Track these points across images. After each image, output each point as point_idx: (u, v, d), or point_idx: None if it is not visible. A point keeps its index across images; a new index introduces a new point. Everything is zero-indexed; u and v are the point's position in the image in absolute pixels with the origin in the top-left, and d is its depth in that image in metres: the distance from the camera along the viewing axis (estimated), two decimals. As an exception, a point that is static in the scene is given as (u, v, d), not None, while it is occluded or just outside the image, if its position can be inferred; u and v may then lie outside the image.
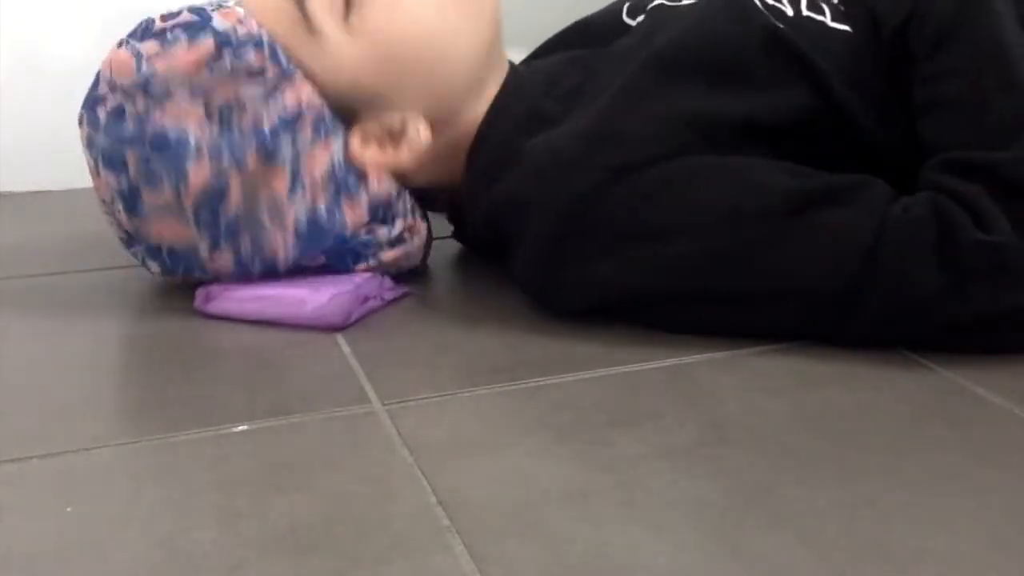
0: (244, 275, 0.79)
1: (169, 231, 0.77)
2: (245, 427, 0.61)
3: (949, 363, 0.68)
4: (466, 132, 0.82)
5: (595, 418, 0.62)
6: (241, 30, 0.73)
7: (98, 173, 0.77)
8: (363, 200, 0.78)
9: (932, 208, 0.67)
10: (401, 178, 0.82)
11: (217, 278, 0.80)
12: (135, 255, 0.82)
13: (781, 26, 0.78)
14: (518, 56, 0.97)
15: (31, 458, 0.58)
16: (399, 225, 0.82)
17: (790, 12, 0.81)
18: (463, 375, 0.68)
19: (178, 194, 0.74)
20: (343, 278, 0.79)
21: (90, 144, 0.76)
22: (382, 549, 0.49)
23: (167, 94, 0.73)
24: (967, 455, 0.57)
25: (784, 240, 0.69)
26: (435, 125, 0.80)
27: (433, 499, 0.53)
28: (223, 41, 0.73)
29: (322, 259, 0.79)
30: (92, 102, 0.76)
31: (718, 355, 0.70)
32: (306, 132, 0.76)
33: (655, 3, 0.86)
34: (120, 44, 0.75)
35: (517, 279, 0.80)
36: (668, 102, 0.75)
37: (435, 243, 0.91)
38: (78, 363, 0.72)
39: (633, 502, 0.53)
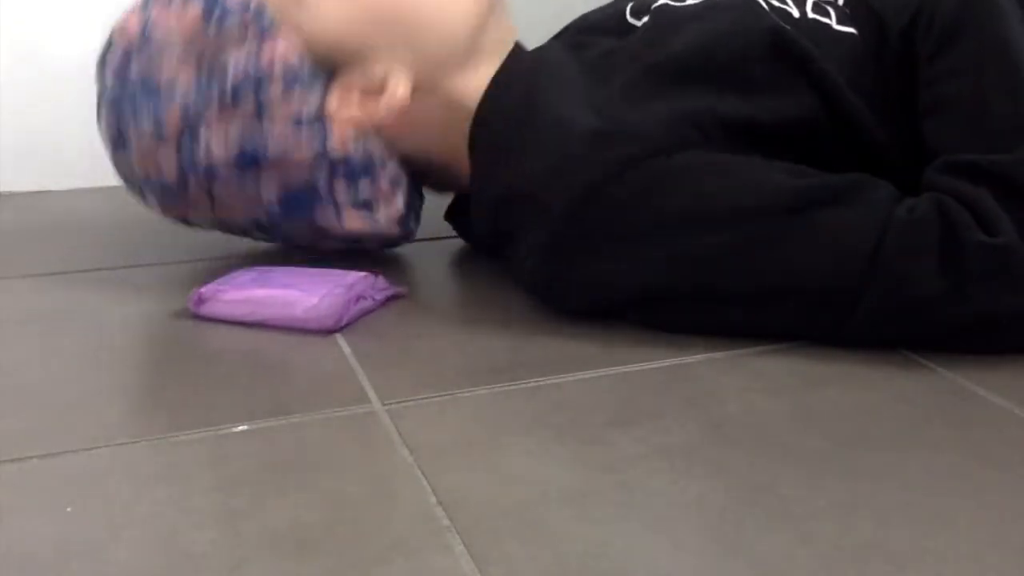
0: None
1: (155, 168, 0.83)
2: (245, 427, 0.61)
3: (949, 363, 0.68)
4: (458, 104, 0.82)
5: (595, 418, 0.62)
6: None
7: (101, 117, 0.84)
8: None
9: (936, 209, 0.67)
10: (388, 143, 0.83)
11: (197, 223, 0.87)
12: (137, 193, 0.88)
13: (788, 28, 0.78)
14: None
15: (31, 458, 0.58)
16: (364, 188, 0.82)
17: (796, 14, 0.81)
18: (463, 375, 0.68)
19: (159, 131, 0.81)
20: (335, 277, 0.80)
21: (100, 91, 0.84)
22: (382, 549, 0.49)
23: (161, 51, 0.80)
24: (967, 455, 0.57)
25: (786, 238, 0.69)
26: (419, 86, 0.81)
27: (433, 499, 0.53)
28: (209, 6, 0.79)
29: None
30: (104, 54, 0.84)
31: (718, 355, 0.70)
32: (275, 86, 0.79)
33: (659, 3, 0.86)
34: (132, 9, 0.83)
35: (520, 277, 0.79)
36: (671, 101, 0.75)
37: (435, 243, 0.91)
38: (78, 363, 0.72)
39: (633, 502, 0.53)
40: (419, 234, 0.96)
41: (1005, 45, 0.71)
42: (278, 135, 0.80)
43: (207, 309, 0.79)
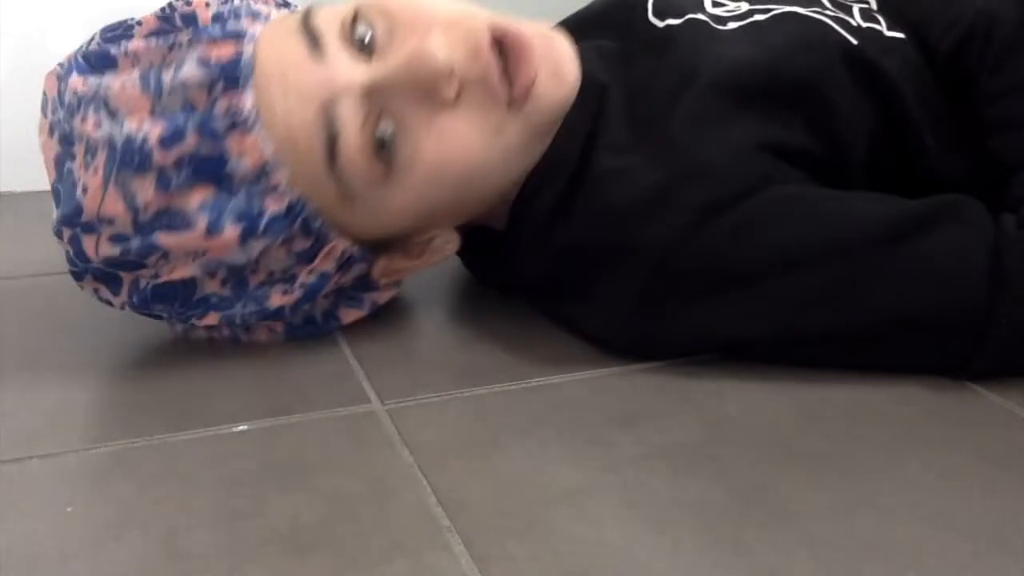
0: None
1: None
2: (245, 427, 0.61)
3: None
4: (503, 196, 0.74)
5: (595, 418, 0.62)
6: (269, 203, 0.64)
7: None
8: (366, 306, 0.77)
9: None
10: None
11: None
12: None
13: (855, 41, 0.73)
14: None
15: (31, 458, 0.58)
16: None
17: (854, 23, 0.76)
18: (463, 375, 0.68)
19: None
20: None
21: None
22: (382, 549, 0.49)
23: (173, 259, 0.66)
24: (967, 455, 0.57)
25: (891, 269, 0.64)
26: (464, 223, 0.75)
27: (433, 499, 0.53)
28: (248, 228, 0.64)
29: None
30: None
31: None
32: (333, 281, 0.71)
33: (697, 17, 0.77)
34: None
35: (593, 330, 0.72)
36: (740, 129, 0.69)
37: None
38: (78, 363, 0.72)
39: (633, 502, 0.53)
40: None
41: None
42: (328, 310, 0.75)
43: None
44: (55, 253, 0.96)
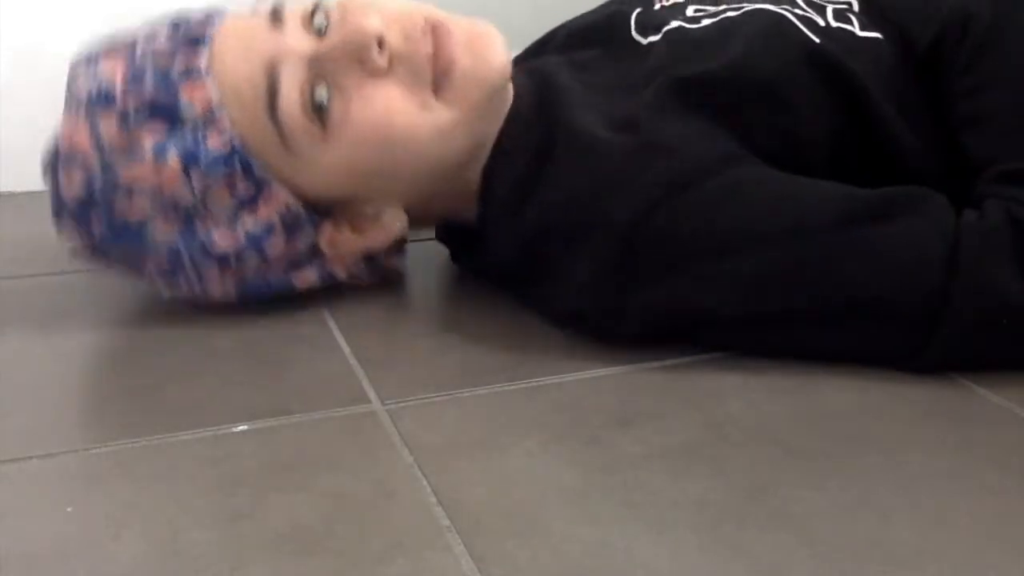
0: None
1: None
2: (245, 427, 0.61)
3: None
4: (464, 183, 0.78)
5: (595, 418, 0.62)
6: (211, 145, 0.71)
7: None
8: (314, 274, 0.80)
9: (1006, 215, 0.65)
10: None
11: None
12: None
13: (818, 40, 0.75)
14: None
15: (31, 458, 0.58)
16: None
17: (821, 22, 0.78)
18: (463, 375, 0.68)
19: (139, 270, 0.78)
20: None
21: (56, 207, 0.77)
22: (382, 549, 0.49)
23: (129, 195, 0.72)
24: (967, 455, 0.57)
25: (850, 252, 0.66)
26: (416, 207, 0.79)
27: (433, 499, 0.53)
28: (190, 160, 0.71)
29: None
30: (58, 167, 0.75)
31: (718, 355, 0.70)
32: (278, 237, 0.76)
33: (672, 26, 0.80)
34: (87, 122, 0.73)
35: (565, 306, 0.74)
36: (705, 120, 0.72)
37: (435, 243, 0.91)
38: (78, 363, 0.72)
39: (633, 502, 0.53)
40: (419, 234, 0.96)
41: None
42: (281, 276, 0.79)
43: None
44: (55, 253, 0.96)
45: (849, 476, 0.55)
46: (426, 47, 0.72)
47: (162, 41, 0.72)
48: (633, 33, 0.83)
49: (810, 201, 0.68)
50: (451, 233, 0.86)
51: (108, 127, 0.71)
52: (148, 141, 0.71)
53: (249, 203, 0.74)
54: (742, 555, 0.48)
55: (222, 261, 0.75)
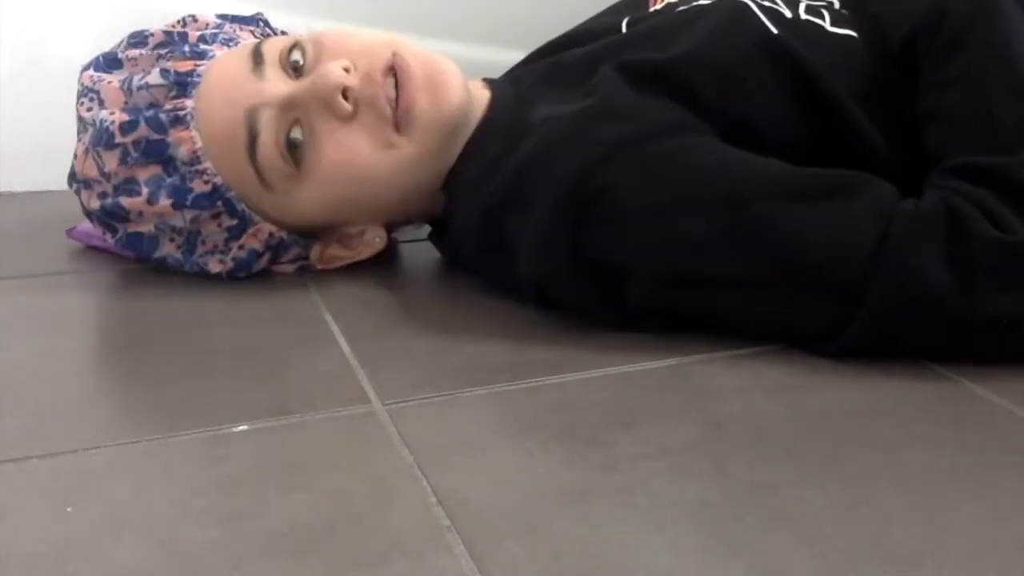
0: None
1: None
2: (245, 427, 0.61)
3: (949, 363, 0.68)
4: (438, 194, 0.84)
5: (595, 418, 0.62)
6: (196, 187, 0.80)
7: None
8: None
9: (943, 203, 0.66)
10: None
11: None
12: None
13: (776, 31, 0.77)
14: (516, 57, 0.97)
15: (31, 458, 0.58)
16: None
17: (788, 14, 0.80)
18: (463, 375, 0.68)
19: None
20: None
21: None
22: (382, 549, 0.49)
23: (139, 216, 0.83)
24: (967, 455, 0.57)
25: (783, 224, 0.67)
26: (394, 220, 0.88)
27: (433, 499, 0.53)
28: (179, 199, 0.80)
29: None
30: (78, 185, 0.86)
31: (718, 355, 0.70)
32: (266, 258, 0.86)
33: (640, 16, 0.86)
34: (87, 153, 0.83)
35: (517, 275, 0.76)
36: (658, 93, 0.76)
37: (431, 244, 0.92)
38: (78, 362, 0.72)
39: (633, 502, 0.53)
40: (418, 233, 0.96)
41: (1007, 51, 0.70)
42: (268, 268, 0.89)
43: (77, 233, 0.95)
44: (55, 253, 0.97)
45: (849, 476, 0.55)
46: (388, 91, 0.78)
47: (155, 77, 0.80)
48: (624, 31, 0.87)
49: (751, 173, 0.70)
50: (433, 225, 0.92)
51: (111, 162, 0.81)
52: (144, 177, 0.81)
53: (236, 235, 0.84)
54: (742, 555, 0.48)
55: (216, 278, 0.86)
